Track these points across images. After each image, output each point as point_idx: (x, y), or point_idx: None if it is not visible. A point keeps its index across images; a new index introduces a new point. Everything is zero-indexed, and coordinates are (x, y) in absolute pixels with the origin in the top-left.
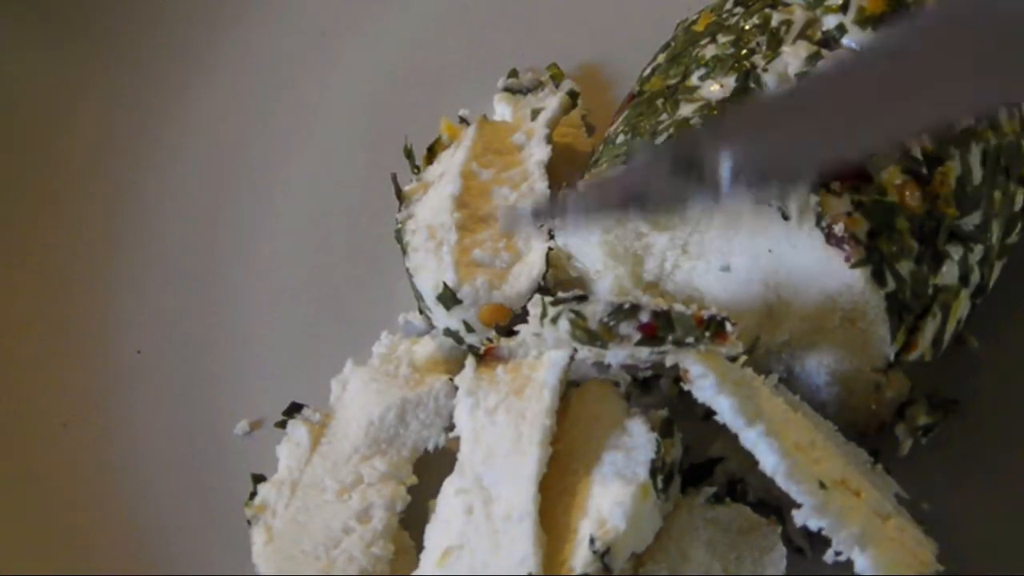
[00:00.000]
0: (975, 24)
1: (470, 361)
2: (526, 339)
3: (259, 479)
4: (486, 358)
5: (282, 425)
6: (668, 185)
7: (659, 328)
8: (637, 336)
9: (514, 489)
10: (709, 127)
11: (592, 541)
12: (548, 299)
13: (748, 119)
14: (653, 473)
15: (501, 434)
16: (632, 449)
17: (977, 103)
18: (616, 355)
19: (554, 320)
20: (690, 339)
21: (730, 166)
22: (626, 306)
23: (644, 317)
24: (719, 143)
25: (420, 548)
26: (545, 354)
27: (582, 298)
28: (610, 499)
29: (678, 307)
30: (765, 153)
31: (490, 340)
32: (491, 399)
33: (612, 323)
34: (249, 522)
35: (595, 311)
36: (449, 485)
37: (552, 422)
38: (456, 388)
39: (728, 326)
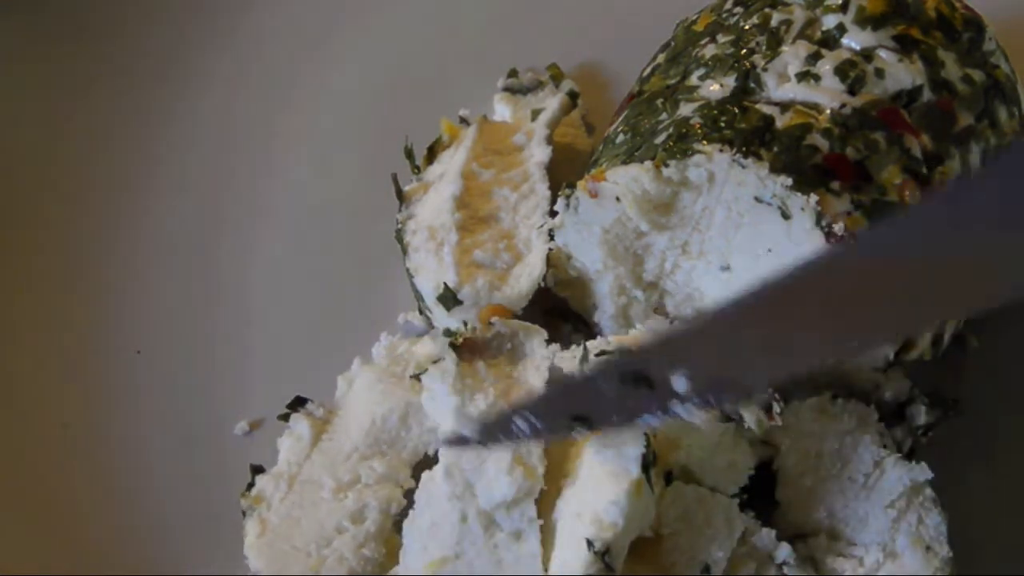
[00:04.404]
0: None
1: (451, 356)
2: (499, 330)
3: (258, 470)
4: (463, 350)
5: (285, 418)
6: (616, 401)
7: None
8: None
9: (514, 506)
10: (657, 344)
11: (590, 544)
12: (592, 344)
13: (696, 335)
14: (645, 468)
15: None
16: (622, 445)
17: (929, 316)
18: None
19: None
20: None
21: (683, 382)
22: None
23: None
24: (669, 360)
25: None
26: (528, 357)
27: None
28: (605, 499)
29: None
30: (715, 370)
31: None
32: (479, 402)
33: None
34: (244, 513)
35: None
36: (431, 482)
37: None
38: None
39: (775, 406)
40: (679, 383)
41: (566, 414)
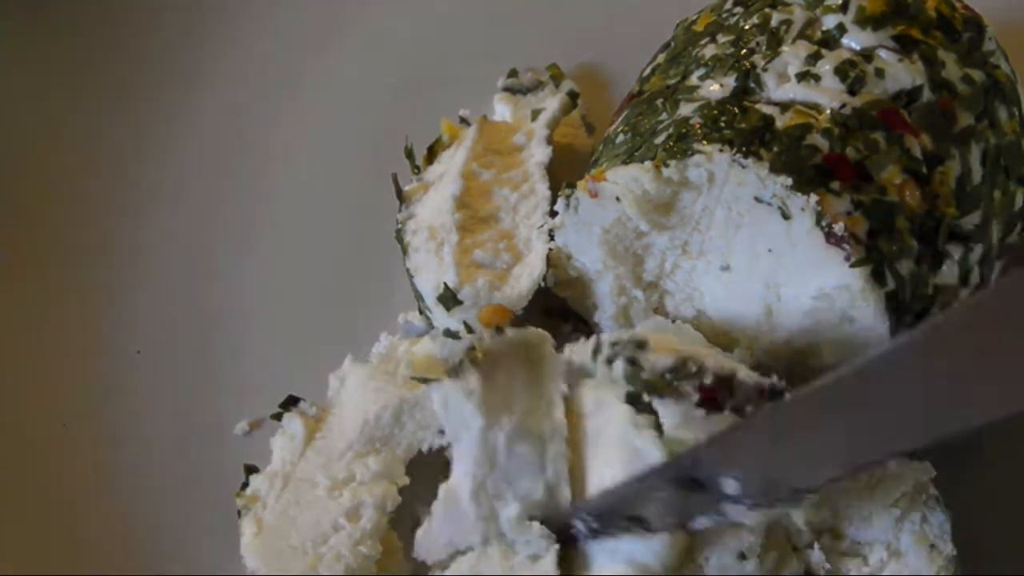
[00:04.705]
0: (969, 338)
1: (473, 375)
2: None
3: (252, 470)
4: (484, 365)
5: (278, 418)
6: (670, 504)
7: (720, 393)
8: (696, 397)
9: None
10: (710, 448)
11: None
12: (607, 337)
13: (746, 438)
14: None
15: (522, 469)
16: (640, 449)
17: (977, 414)
18: (668, 412)
19: (609, 360)
20: (749, 407)
21: (733, 485)
22: (692, 367)
23: (707, 380)
24: (719, 464)
25: (408, 549)
26: (544, 368)
27: (642, 344)
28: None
29: (741, 374)
30: (768, 473)
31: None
32: (505, 424)
33: (673, 379)
34: (239, 512)
35: (655, 363)
36: (451, 500)
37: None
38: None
39: (787, 396)
40: (729, 486)
41: (622, 516)
